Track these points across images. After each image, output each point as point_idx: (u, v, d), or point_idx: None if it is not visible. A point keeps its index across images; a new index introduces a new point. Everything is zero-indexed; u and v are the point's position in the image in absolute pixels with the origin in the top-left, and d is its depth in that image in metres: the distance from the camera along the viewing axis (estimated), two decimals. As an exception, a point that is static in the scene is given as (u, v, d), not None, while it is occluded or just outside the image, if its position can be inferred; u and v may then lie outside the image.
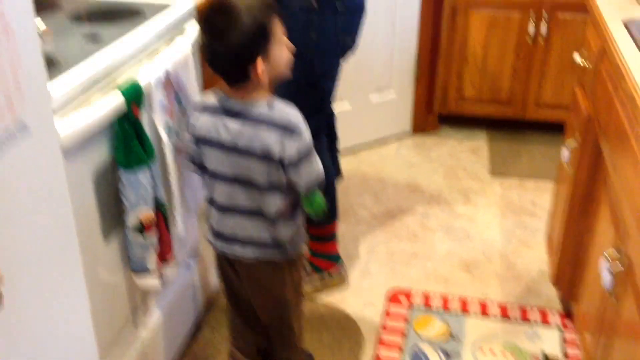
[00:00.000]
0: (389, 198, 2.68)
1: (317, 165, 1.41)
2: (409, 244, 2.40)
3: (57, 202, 1.07)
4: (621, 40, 1.46)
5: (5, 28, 0.87)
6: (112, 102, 1.29)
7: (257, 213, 1.43)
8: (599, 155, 1.68)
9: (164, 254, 1.50)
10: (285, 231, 1.46)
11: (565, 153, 1.83)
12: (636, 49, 1.42)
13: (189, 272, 1.89)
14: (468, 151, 3.04)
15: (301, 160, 1.37)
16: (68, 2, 1.72)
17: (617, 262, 1.36)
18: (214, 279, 2.11)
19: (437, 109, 3.15)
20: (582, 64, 1.81)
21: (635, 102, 1.21)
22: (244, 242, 1.46)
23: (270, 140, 1.34)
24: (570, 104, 1.98)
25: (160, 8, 1.66)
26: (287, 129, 1.34)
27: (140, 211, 1.40)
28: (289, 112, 1.37)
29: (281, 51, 1.37)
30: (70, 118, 1.19)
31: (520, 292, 2.14)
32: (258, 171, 1.38)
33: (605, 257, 1.40)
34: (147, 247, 1.45)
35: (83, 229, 1.31)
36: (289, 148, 1.34)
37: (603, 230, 1.61)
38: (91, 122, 1.24)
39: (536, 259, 2.29)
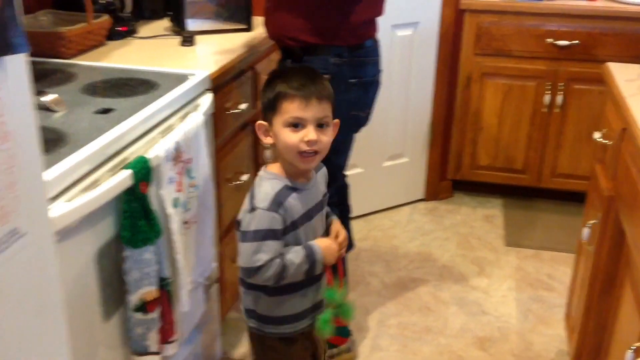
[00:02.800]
0: (400, 267, 2.61)
1: (251, 256, 1.36)
2: (421, 317, 2.32)
3: (47, 298, 1.03)
4: (644, 124, 1.43)
5: (4, 133, 0.84)
6: (120, 180, 1.26)
7: None
8: (621, 236, 1.62)
9: (166, 335, 1.44)
10: (246, 299, 1.49)
11: (585, 232, 1.77)
12: (660, 133, 1.38)
13: (192, 345, 1.83)
14: (482, 219, 2.99)
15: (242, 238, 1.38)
16: (85, 73, 1.71)
17: (644, 356, 1.29)
18: (218, 348, 2.05)
19: (451, 176, 3.12)
20: (602, 142, 1.77)
21: (663, 193, 1.16)
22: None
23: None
24: (589, 182, 1.93)
25: (176, 80, 1.65)
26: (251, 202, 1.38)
27: (144, 290, 1.35)
28: (259, 194, 1.38)
29: (283, 132, 1.36)
30: (77, 200, 1.16)
31: (538, 374, 2.05)
32: None
33: (632, 350, 1.33)
34: (148, 326, 1.39)
35: (82, 309, 1.26)
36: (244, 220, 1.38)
37: (627, 314, 1.54)
38: (97, 201, 1.21)
39: (554, 338, 2.20)
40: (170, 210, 1.44)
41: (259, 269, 1.36)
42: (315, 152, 1.36)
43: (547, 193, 3.09)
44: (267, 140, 1.41)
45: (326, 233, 1.53)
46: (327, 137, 1.38)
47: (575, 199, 3.03)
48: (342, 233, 1.51)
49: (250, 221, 1.36)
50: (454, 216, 3.01)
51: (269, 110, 1.38)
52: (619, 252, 1.65)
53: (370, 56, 1.86)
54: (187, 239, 1.57)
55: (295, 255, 1.40)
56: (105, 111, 1.44)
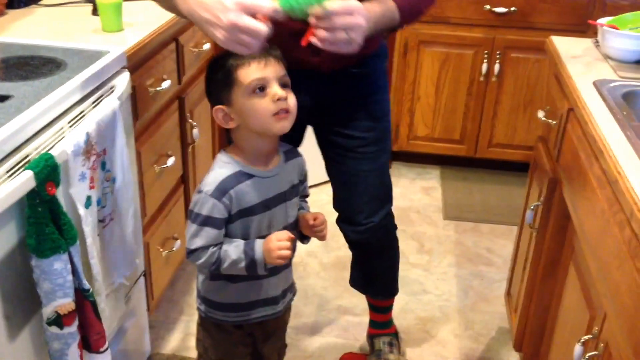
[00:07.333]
0: (339, 245, 2.51)
1: (190, 237, 1.30)
2: (362, 299, 2.22)
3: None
4: (594, 107, 1.36)
5: None
6: (21, 184, 1.09)
7: None
8: (566, 219, 1.57)
9: (96, 346, 1.30)
10: (198, 276, 1.44)
11: (528, 215, 1.72)
12: (611, 116, 1.32)
13: (117, 344, 1.69)
14: (421, 192, 2.93)
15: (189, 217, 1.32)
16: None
17: (593, 351, 1.25)
18: (147, 344, 1.91)
19: (389, 147, 3.03)
20: (545, 120, 1.71)
21: (619, 187, 1.09)
22: None
23: None
24: (532, 161, 1.87)
25: (86, 58, 1.46)
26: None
27: (57, 302, 1.19)
28: (208, 176, 1.31)
29: (249, 102, 1.24)
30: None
31: (480, 355, 2.02)
32: None
33: (580, 343, 1.29)
34: (66, 341, 1.24)
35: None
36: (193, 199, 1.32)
37: (573, 302, 1.50)
38: (-7, 208, 1.04)
39: (495, 315, 2.18)
40: (82, 210, 1.27)
41: (192, 252, 1.31)
42: (287, 111, 1.25)
43: (484, 163, 3.06)
44: (230, 125, 1.29)
45: (296, 225, 1.43)
46: (294, 98, 1.27)
47: (511, 168, 3.02)
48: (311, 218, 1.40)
49: (195, 202, 1.30)
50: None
51: (225, 89, 1.26)
52: (563, 236, 1.61)
53: None
54: (104, 238, 1.41)
55: (233, 249, 1.31)
56: (1, 99, 1.24)
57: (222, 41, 1.15)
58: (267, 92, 1.24)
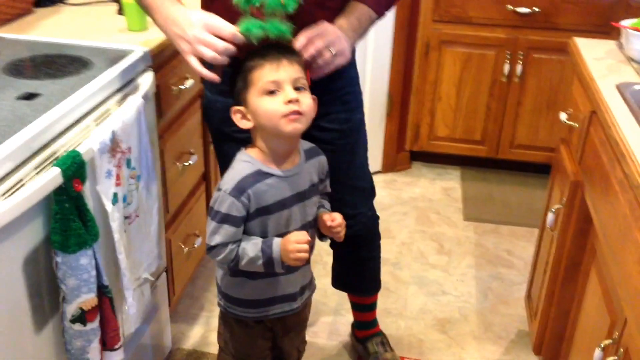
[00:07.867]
0: (358, 245, 2.53)
1: (210, 234, 1.32)
2: (380, 298, 2.21)
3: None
4: (617, 110, 1.35)
5: None
6: (49, 180, 1.11)
7: None
8: (587, 222, 1.57)
9: (111, 343, 1.32)
10: (217, 272, 1.47)
11: (549, 217, 1.71)
12: (634, 119, 1.31)
13: (139, 338, 1.71)
14: (441, 192, 2.92)
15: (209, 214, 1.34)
16: (7, 48, 1.52)
17: (613, 355, 1.24)
18: (168, 338, 1.94)
19: (409, 147, 3.04)
20: (568, 123, 1.70)
21: (642, 192, 1.08)
22: None
23: None
24: (553, 163, 1.87)
25: (112, 57, 1.48)
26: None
27: (82, 299, 1.22)
28: (228, 174, 1.33)
29: (261, 102, 1.26)
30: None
31: (499, 358, 2.01)
32: None
33: (600, 348, 1.28)
34: (89, 338, 1.26)
35: (11, 322, 1.12)
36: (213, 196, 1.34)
37: (594, 306, 1.49)
38: (22, 205, 1.06)
39: (514, 318, 2.17)
40: (109, 207, 1.30)
41: (212, 248, 1.33)
42: (299, 113, 1.25)
43: (505, 164, 3.04)
44: (246, 125, 1.31)
45: (314, 223, 1.44)
46: (308, 100, 1.28)
47: (533, 170, 3.01)
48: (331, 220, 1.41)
49: (215, 200, 1.32)
50: (412, 189, 2.94)
51: (242, 90, 1.28)
52: (585, 239, 1.60)
53: None
54: (130, 235, 1.43)
55: (251, 247, 1.32)
56: (30, 96, 1.27)
57: (184, 51, 1.28)
58: (279, 94, 1.25)
